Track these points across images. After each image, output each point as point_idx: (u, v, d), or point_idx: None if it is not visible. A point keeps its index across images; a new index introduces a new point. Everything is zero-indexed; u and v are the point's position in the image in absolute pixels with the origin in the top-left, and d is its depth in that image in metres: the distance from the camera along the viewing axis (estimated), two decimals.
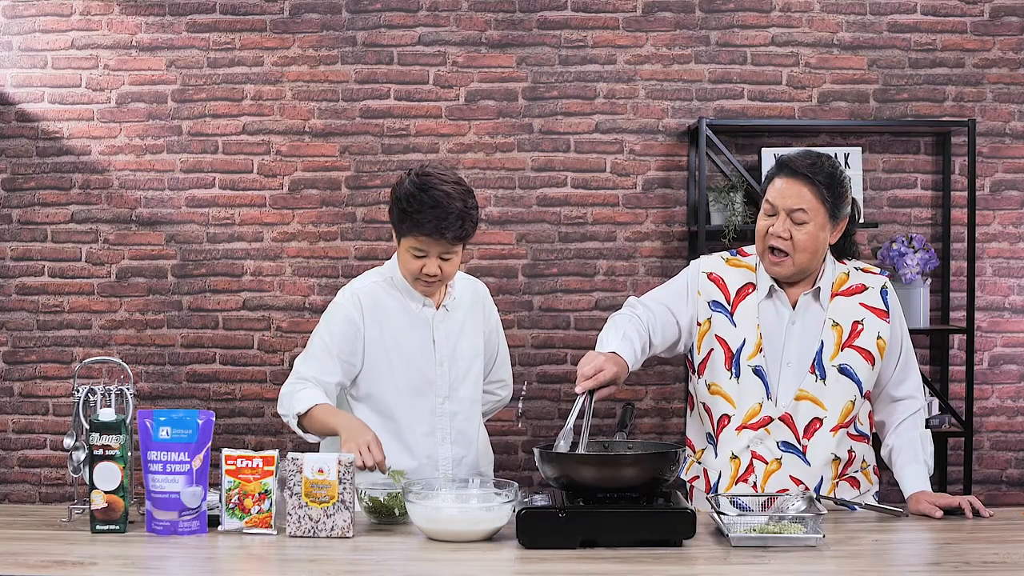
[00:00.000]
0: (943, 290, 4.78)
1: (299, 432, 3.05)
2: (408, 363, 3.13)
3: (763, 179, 3.03)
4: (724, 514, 2.62)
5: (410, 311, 3.15)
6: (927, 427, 3.10)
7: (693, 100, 4.76)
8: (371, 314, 3.12)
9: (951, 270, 4.76)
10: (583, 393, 2.80)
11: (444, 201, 2.96)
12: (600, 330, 3.04)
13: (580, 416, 2.77)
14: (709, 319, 3.02)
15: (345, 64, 4.76)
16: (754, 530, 2.57)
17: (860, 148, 4.69)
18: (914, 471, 2.98)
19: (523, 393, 3.35)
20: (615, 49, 4.76)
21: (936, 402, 4.58)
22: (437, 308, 3.17)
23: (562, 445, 2.71)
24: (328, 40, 4.76)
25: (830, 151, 4.62)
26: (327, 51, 4.76)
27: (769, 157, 4.63)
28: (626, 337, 2.96)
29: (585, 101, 4.76)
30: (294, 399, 3.01)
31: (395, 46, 4.76)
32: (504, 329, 3.42)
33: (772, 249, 2.93)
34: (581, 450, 2.72)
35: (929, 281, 4.66)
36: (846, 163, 4.63)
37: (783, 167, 2.94)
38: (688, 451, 3.13)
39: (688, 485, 3.12)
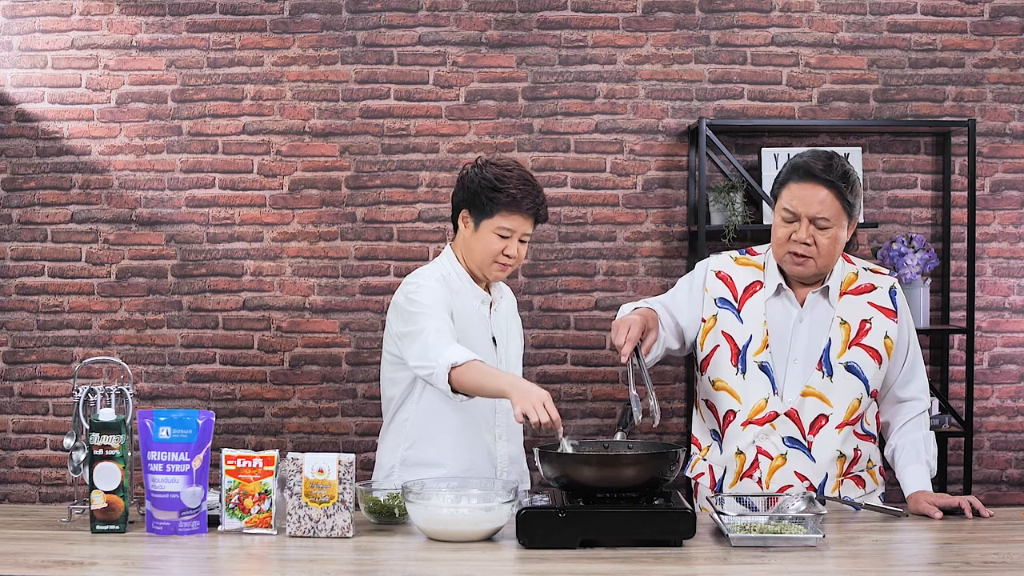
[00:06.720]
0: (943, 290, 4.78)
1: (443, 388, 2.88)
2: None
3: (774, 183, 2.98)
4: (724, 514, 2.63)
5: (472, 306, 3.13)
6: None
7: (693, 100, 4.76)
8: (451, 298, 3.09)
9: (951, 270, 4.76)
10: (629, 359, 2.85)
11: (531, 179, 3.07)
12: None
13: (638, 383, 2.82)
14: (715, 316, 3.03)
15: (345, 64, 4.76)
16: (754, 530, 2.57)
17: (860, 148, 4.69)
18: (915, 471, 2.99)
19: None
20: (615, 49, 4.76)
21: (936, 402, 4.58)
22: (491, 307, 3.18)
23: (635, 412, 2.77)
24: (328, 40, 4.76)
25: (830, 151, 4.62)
26: (327, 51, 4.76)
27: (769, 157, 4.63)
28: (640, 305, 3.05)
29: (585, 101, 4.76)
30: (445, 352, 2.85)
31: (395, 46, 4.76)
32: None
33: (795, 252, 2.92)
34: (652, 402, 2.81)
35: (929, 281, 4.66)
36: None
37: (798, 170, 2.91)
38: (694, 449, 3.14)
39: (693, 482, 3.13)
